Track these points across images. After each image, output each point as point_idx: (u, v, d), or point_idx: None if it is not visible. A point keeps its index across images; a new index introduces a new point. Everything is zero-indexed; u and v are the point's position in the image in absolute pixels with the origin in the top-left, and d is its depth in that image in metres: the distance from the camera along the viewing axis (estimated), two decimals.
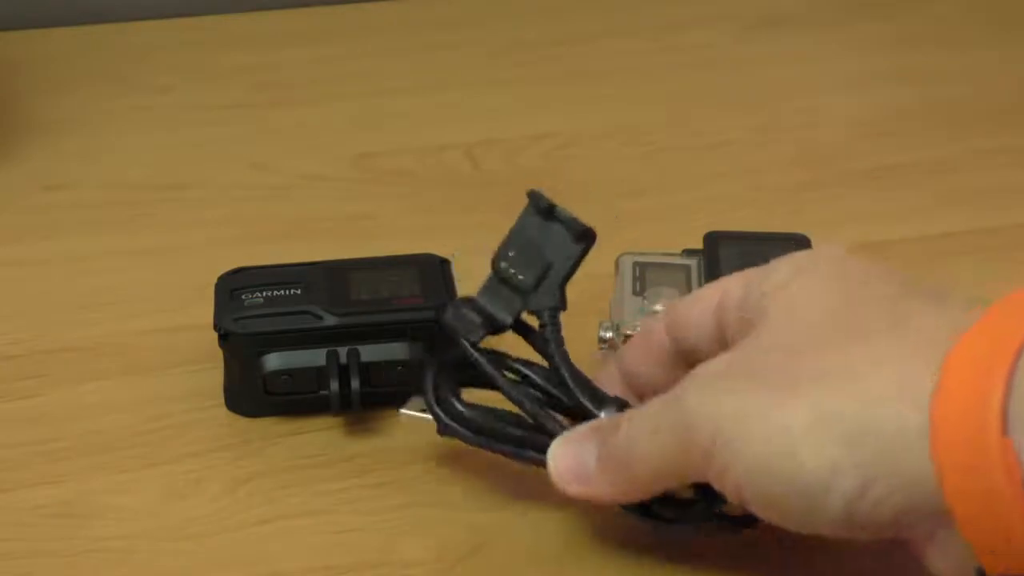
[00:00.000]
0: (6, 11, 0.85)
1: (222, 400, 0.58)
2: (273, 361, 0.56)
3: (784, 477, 0.43)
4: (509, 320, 0.51)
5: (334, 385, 0.55)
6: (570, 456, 0.48)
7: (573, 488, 0.48)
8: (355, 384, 0.55)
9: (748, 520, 0.48)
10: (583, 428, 0.49)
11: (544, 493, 0.53)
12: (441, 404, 0.51)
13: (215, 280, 0.58)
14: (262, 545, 0.52)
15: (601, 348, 0.56)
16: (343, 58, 0.83)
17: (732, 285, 0.48)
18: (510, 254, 0.51)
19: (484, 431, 0.51)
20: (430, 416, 0.51)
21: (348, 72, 0.82)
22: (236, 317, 0.56)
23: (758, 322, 0.46)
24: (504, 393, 0.50)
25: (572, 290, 0.51)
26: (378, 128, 0.77)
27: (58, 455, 0.56)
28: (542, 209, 0.51)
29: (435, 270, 0.58)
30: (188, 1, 0.87)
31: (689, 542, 0.51)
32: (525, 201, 0.52)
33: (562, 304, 0.51)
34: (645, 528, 0.51)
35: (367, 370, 0.55)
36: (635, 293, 0.58)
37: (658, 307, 0.56)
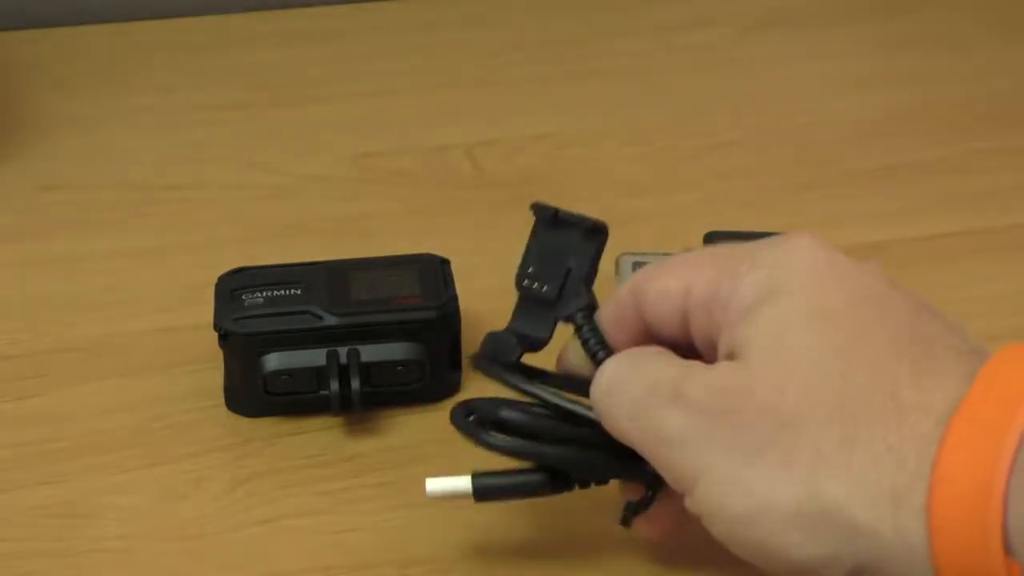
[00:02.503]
0: (6, 11, 0.85)
1: (222, 400, 0.58)
2: (273, 361, 0.56)
3: (770, 553, 0.42)
4: (547, 335, 0.51)
5: (334, 385, 0.55)
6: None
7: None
8: (355, 384, 0.55)
9: None
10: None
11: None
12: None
13: (215, 280, 0.58)
14: (262, 545, 0.52)
15: None
16: (343, 58, 0.83)
17: (698, 281, 0.46)
18: (530, 270, 0.51)
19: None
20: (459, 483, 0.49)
21: (348, 72, 0.82)
22: (236, 317, 0.56)
23: (739, 351, 0.44)
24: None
25: None
26: (378, 128, 0.77)
27: (58, 455, 0.56)
28: (548, 217, 0.51)
29: (435, 270, 0.58)
30: (188, 1, 0.87)
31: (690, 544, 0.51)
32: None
33: (592, 301, 0.50)
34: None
35: (367, 370, 0.55)
36: None
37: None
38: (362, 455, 0.56)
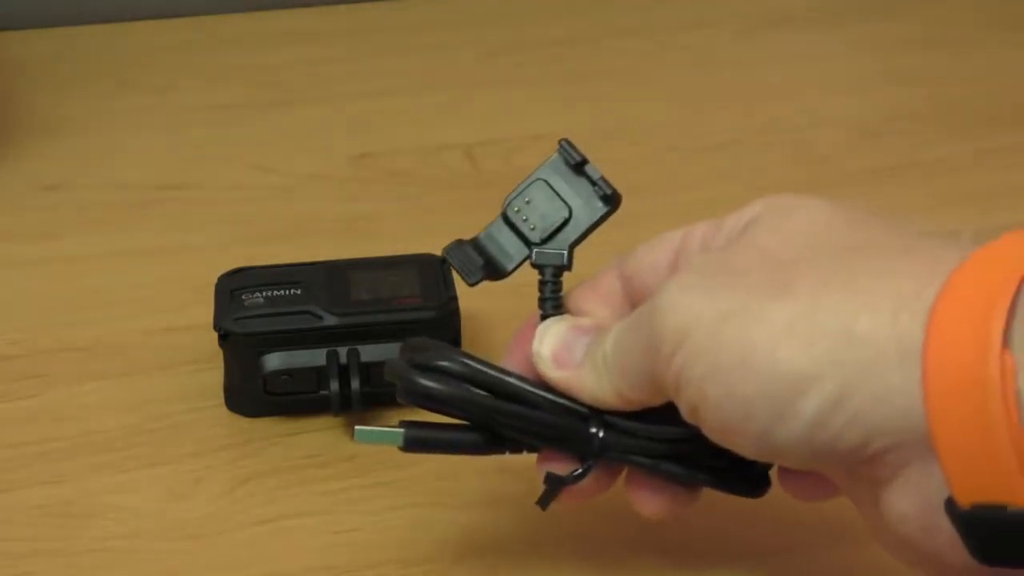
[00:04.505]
0: (6, 11, 0.85)
1: (222, 400, 0.58)
2: (273, 361, 0.56)
3: (756, 375, 0.40)
4: (510, 268, 0.49)
5: (334, 385, 0.55)
6: (560, 340, 0.46)
7: (555, 372, 0.46)
8: (355, 384, 0.55)
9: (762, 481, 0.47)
10: (581, 321, 0.47)
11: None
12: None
13: (215, 280, 0.58)
14: (262, 545, 0.52)
15: None
16: (343, 58, 0.83)
17: (700, 226, 0.46)
18: (526, 200, 0.49)
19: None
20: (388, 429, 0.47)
21: (348, 72, 0.82)
22: (236, 317, 0.56)
23: (739, 236, 0.44)
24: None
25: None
26: (378, 128, 0.77)
27: (58, 455, 0.56)
28: (572, 162, 0.48)
29: (435, 270, 0.58)
30: (188, 1, 0.87)
31: (689, 543, 0.51)
32: None
33: (568, 266, 0.48)
34: (644, 527, 0.51)
35: (367, 370, 0.55)
36: None
37: None
38: (362, 455, 0.56)
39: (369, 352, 0.56)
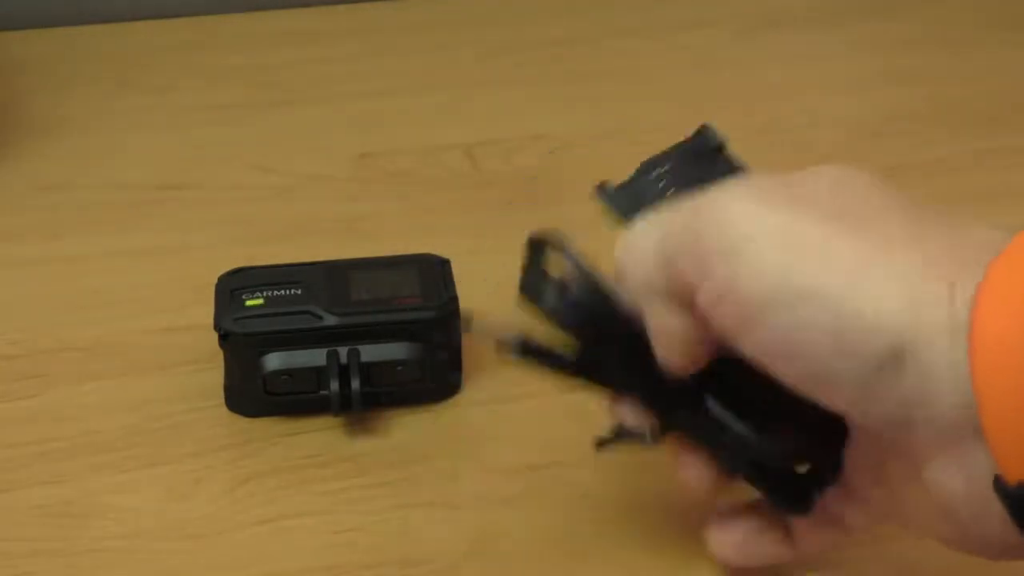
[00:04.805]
0: (6, 11, 0.85)
1: (222, 400, 0.58)
2: (273, 361, 0.56)
3: (826, 310, 0.39)
4: (631, 215, 0.47)
5: (334, 385, 0.55)
6: None
7: None
8: (355, 384, 0.55)
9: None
10: None
11: (544, 492, 0.53)
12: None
13: (215, 280, 0.58)
14: (262, 545, 0.52)
15: None
16: (343, 58, 0.83)
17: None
18: (665, 167, 0.48)
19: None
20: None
21: (348, 72, 0.82)
22: (236, 317, 0.56)
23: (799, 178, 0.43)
24: None
25: None
26: (378, 128, 0.77)
27: (58, 455, 0.56)
28: (712, 145, 0.48)
29: (435, 270, 0.58)
30: (188, 1, 0.87)
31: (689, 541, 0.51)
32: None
33: None
34: (645, 528, 0.51)
35: (367, 370, 0.55)
36: None
37: None
38: (362, 455, 0.56)
39: (369, 352, 0.56)
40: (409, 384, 0.56)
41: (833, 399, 0.41)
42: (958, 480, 0.39)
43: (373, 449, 0.56)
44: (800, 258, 0.40)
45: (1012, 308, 0.37)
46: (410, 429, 0.57)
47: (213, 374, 0.58)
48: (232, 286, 0.57)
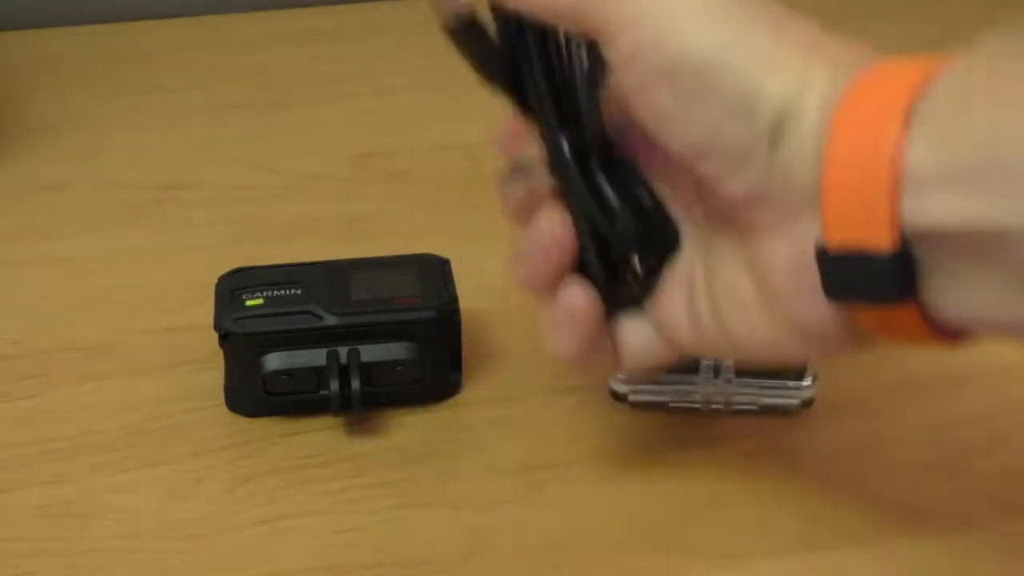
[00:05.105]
0: (6, 11, 0.85)
1: (222, 400, 0.58)
2: (273, 361, 0.56)
3: (722, 87, 0.42)
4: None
5: (334, 385, 0.55)
6: None
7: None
8: (355, 384, 0.55)
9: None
10: None
11: (544, 492, 0.53)
12: None
13: (215, 280, 0.58)
14: (262, 545, 0.52)
15: None
16: (343, 58, 0.83)
17: None
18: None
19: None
20: None
21: (348, 72, 0.82)
22: (236, 317, 0.56)
23: None
24: None
25: None
26: (378, 128, 0.77)
27: (58, 455, 0.56)
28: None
29: (435, 270, 0.58)
30: (188, 1, 0.87)
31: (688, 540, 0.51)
32: None
33: None
34: (645, 529, 0.51)
35: (367, 370, 0.55)
36: None
37: None
38: (362, 455, 0.56)
39: (369, 352, 0.56)
40: (409, 384, 0.56)
41: (710, 168, 0.43)
42: (786, 252, 0.42)
43: (373, 449, 0.56)
44: (723, 30, 0.42)
45: (871, 107, 0.40)
46: (410, 429, 0.57)
47: (213, 374, 0.58)
48: (232, 286, 0.57)
